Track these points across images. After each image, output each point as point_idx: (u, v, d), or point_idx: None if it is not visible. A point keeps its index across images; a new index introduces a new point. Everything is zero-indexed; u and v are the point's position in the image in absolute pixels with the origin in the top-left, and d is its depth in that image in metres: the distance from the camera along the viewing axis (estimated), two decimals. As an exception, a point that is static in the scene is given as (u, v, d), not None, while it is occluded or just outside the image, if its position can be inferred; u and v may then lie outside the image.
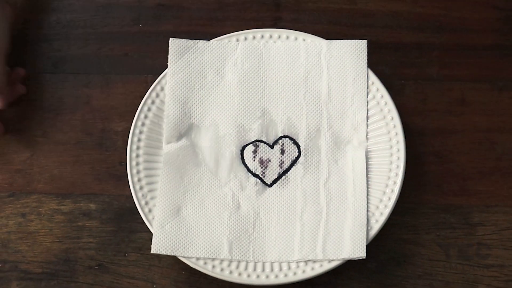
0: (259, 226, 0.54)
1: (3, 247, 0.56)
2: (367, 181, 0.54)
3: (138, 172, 0.55)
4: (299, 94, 0.57)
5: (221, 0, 0.63)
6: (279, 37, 0.58)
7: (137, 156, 0.55)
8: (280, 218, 0.54)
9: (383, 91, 0.56)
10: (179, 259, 0.53)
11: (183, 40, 0.58)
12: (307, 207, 0.54)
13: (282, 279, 0.52)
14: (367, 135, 0.55)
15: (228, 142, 0.56)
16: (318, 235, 0.53)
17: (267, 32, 0.58)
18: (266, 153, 0.56)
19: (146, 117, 0.56)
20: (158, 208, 0.54)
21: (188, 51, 0.58)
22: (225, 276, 0.52)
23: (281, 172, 0.55)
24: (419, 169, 0.57)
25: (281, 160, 0.56)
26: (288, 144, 0.56)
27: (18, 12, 0.61)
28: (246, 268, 0.52)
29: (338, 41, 0.58)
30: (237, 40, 0.58)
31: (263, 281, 0.52)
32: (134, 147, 0.55)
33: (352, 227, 0.52)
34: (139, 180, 0.54)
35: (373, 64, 0.58)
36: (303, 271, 0.52)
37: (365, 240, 0.52)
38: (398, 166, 0.54)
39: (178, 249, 0.52)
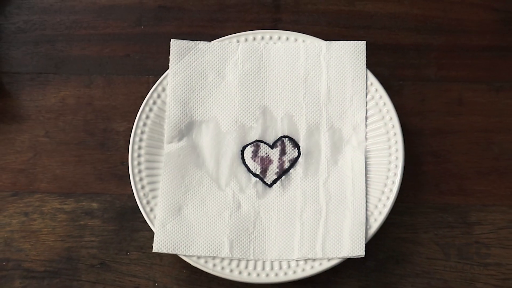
0: (260, 225, 0.54)
1: (6, 246, 0.56)
2: (366, 180, 0.54)
3: (139, 171, 0.55)
4: (299, 94, 0.57)
5: (221, 1, 0.63)
6: (279, 38, 0.58)
7: (139, 156, 0.55)
8: (280, 217, 0.54)
9: (381, 91, 0.56)
10: (180, 258, 0.53)
11: (184, 41, 0.58)
12: (307, 207, 0.54)
13: (282, 278, 0.52)
14: (366, 135, 0.55)
15: (229, 142, 0.56)
16: (318, 234, 0.53)
17: (267, 33, 0.59)
18: (266, 153, 0.56)
19: (147, 117, 0.56)
20: (160, 207, 0.54)
21: (189, 52, 0.58)
22: (226, 274, 0.52)
23: (281, 172, 0.56)
24: (417, 169, 0.57)
25: (281, 160, 0.56)
26: (288, 144, 0.56)
27: None
28: (246, 267, 0.52)
29: (337, 42, 0.58)
30: (238, 41, 0.58)
31: (263, 279, 0.52)
32: (136, 147, 0.55)
33: (351, 226, 0.52)
34: (141, 179, 0.54)
35: (372, 65, 0.58)
36: (303, 270, 0.52)
37: (364, 239, 0.52)
38: (396, 166, 0.54)
39: (179, 247, 0.52)
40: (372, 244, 0.53)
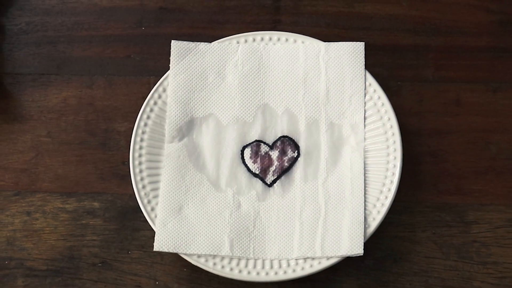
0: (259, 224, 0.54)
1: (9, 245, 0.56)
2: (365, 180, 0.54)
3: (140, 171, 0.55)
4: (298, 95, 0.57)
5: (222, 3, 0.63)
6: (279, 39, 0.59)
7: (140, 155, 0.55)
8: (280, 216, 0.54)
9: (380, 92, 0.56)
10: (181, 257, 0.53)
11: (185, 42, 0.58)
12: (306, 206, 0.54)
13: (281, 276, 0.52)
14: (364, 135, 0.56)
15: (229, 142, 0.57)
16: (317, 233, 0.53)
17: (266, 34, 0.59)
18: (266, 153, 0.56)
19: (148, 117, 0.56)
20: (160, 206, 0.54)
21: (189, 53, 0.58)
22: (226, 273, 0.52)
23: (280, 172, 0.56)
24: (415, 169, 0.57)
25: (281, 160, 0.56)
26: (288, 144, 0.56)
27: None
28: (246, 265, 0.52)
29: (336, 43, 0.58)
30: (238, 42, 0.59)
31: (263, 278, 0.52)
32: (137, 147, 0.56)
33: (350, 225, 0.53)
34: (142, 179, 0.55)
35: (370, 66, 0.58)
36: (302, 268, 0.52)
37: (362, 237, 0.52)
38: (395, 166, 0.54)
39: (180, 246, 0.53)
40: (370, 243, 0.53)
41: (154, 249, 0.53)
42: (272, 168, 0.56)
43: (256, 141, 0.57)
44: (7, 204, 0.57)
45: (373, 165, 0.55)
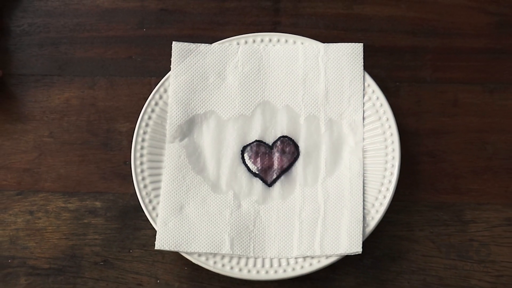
0: (259, 223, 0.54)
1: (12, 244, 0.56)
2: (364, 179, 0.54)
3: (142, 171, 0.55)
4: (297, 95, 0.58)
5: (222, 5, 0.64)
6: (278, 40, 0.59)
7: (141, 155, 0.56)
8: (280, 216, 0.55)
9: (378, 93, 0.56)
10: (181, 255, 0.54)
11: (186, 43, 0.59)
12: (306, 206, 0.55)
13: (281, 275, 0.52)
14: (363, 136, 0.56)
15: (229, 142, 0.57)
16: (316, 232, 0.53)
17: (266, 36, 0.59)
18: (266, 153, 0.57)
19: (149, 118, 0.57)
20: (162, 206, 0.54)
21: (190, 54, 0.58)
22: (226, 271, 0.52)
23: (280, 172, 0.56)
24: (413, 168, 0.57)
25: (281, 160, 0.56)
26: (288, 144, 0.57)
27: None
28: (246, 264, 0.53)
29: (335, 44, 0.58)
30: (238, 43, 0.59)
31: (262, 276, 0.52)
32: (138, 147, 0.56)
33: (348, 224, 0.53)
34: (143, 179, 0.55)
35: (369, 67, 0.58)
36: (302, 267, 0.52)
37: (361, 236, 0.52)
38: (393, 166, 0.54)
39: (181, 245, 0.53)
40: (369, 242, 0.54)
41: (155, 248, 0.53)
42: (272, 168, 0.56)
43: (256, 141, 0.57)
44: (10, 204, 0.58)
45: (371, 165, 0.55)
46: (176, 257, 0.55)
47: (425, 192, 0.57)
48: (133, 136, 0.56)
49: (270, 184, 0.56)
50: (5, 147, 0.60)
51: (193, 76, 0.58)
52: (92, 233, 0.56)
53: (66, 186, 0.58)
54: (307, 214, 0.54)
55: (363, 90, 0.57)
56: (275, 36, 0.59)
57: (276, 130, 0.57)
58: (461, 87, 0.60)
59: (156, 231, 0.54)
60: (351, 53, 0.58)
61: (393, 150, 0.55)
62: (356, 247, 0.52)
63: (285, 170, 0.56)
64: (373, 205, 0.54)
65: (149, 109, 0.57)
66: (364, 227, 0.53)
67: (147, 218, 0.55)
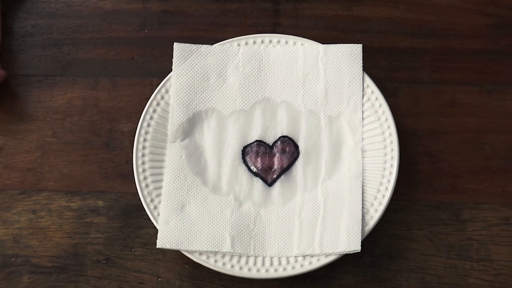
0: (260, 222, 0.55)
1: (15, 242, 0.56)
2: (363, 179, 0.55)
3: (143, 170, 0.55)
4: (297, 96, 0.58)
5: (223, 6, 0.64)
6: (278, 42, 0.59)
7: (143, 155, 0.56)
8: (280, 215, 0.55)
9: (377, 93, 0.57)
10: (183, 254, 0.54)
11: (187, 44, 0.59)
12: (305, 205, 0.55)
13: (281, 273, 0.53)
14: (362, 136, 0.56)
15: (230, 142, 0.57)
16: (316, 231, 0.54)
17: (267, 37, 0.59)
18: (266, 153, 0.57)
19: (151, 118, 0.57)
20: (163, 205, 0.54)
21: (191, 55, 0.59)
22: (227, 270, 0.53)
23: (280, 172, 0.56)
24: (412, 168, 0.57)
25: (281, 159, 0.57)
26: (288, 144, 0.57)
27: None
28: (247, 263, 0.53)
29: (334, 45, 0.58)
30: (238, 44, 0.59)
31: (263, 274, 0.53)
32: (140, 146, 0.56)
33: (347, 222, 0.53)
34: (145, 178, 0.55)
35: (368, 67, 0.58)
36: (301, 265, 0.53)
37: (360, 234, 0.52)
38: (392, 165, 0.55)
39: (182, 243, 0.53)
40: (368, 240, 0.54)
41: (157, 246, 0.53)
42: (272, 168, 0.57)
43: (256, 141, 0.57)
44: (13, 203, 0.58)
45: (370, 165, 0.55)
46: (177, 255, 0.56)
47: (423, 191, 0.57)
48: (135, 136, 0.57)
49: (270, 184, 0.56)
50: (8, 147, 0.60)
51: (194, 76, 0.59)
52: (95, 232, 0.57)
53: (69, 185, 0.58)
54: (307, 213, 0.55)
55: (362, 90, 0.57)
56: (275, 37, 0.59)
57: (276, 130, 0.58)
58: (459, 87, 0.60)
59: (157, 230, 0.54)
60: (350, 54, 0.58)
61: (392, 150, 0.55)
62: (355, 246, 0.52)
63: (285, 169, 0.57)
64: (372, 204, 0.54)
65: (150, 110, 0.57)
66: (363, 226, 0.53)
67: (149, 217, 0.55)
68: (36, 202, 0.58)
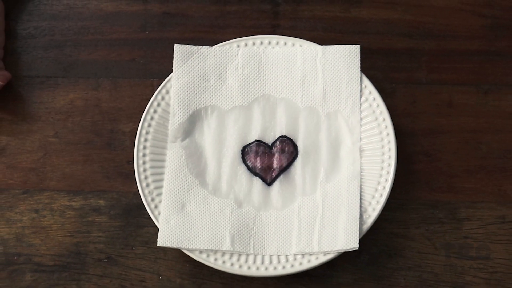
0: (259, 221, 0.55)
1: (18, 241, 0.57)
2: (361, 178, 0.55)
3: (144, 170, 0.56)
4: (296, 96, 0.58)
5: (222, 8, 0.64)
6: (278, 43, 0.60)
7: (144, 155, 0.56)
8: (279, 214, 0.55)
9: (375, 94, 0.57)
10: (183, 253, 0.54)
11: (187, 46, 0.59)
12: (304, 204, 0.55)
13: (280, 271, 0.53)
14: (360, 136, 0.56)
15: (229, 142, 0.57)
16: (314, 230, 0.54)
17: (266, 38, 0.60)
18: (265, 153, 0.57)
19: (152, 118, 0.57)
20: (164, 204, 0.55)
21: (192, 57, 0.59)
22: (227, 268, 0.53)
23: (279, 171, 0.57)
24: (409, 168, 0.58)
25: (280, 159, 0.57)
26: (287, 144, 0.57)
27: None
28: (246, 261, 0.53)
29: (332, 46, 0.59)
30: (238, 46, 0.60)
31: (262, 272, 0.53)
32: (141, 146, 0.57)
33: (345, 221, 0.53)
34: (146, 178, 0.56)
35: (365, 68, 0.59)
36: (300, 264, 0.53)
37: (357, 232, 0.53)
38: (389, 165, 0.55)
39: (182, 242, 0.53)
40: (366, 239, 0.54)
41: (158, 245, 0.54)
42: (272, 168, 0.57)
43: (256, 141, 0.58)
44: (16, 202, 0.58)
45: (368, 164, 0.56)
46: (177, 254, 0.56)
47: (420, 190, 0.57)
48: (136, 136, 0.57)
49: (269, 183, 0.57)
50: (11, 147, 0.60)
51: (194, 77, 0.59)
52: (96, 231, 0.57)
53: (71, 185, 0.59)
54: (305, 212, 0.55)
55: (360, 91, 0.58)
56: (274, 38, 0.60)
57: (276, 130, 0.58)
58: (456, 88, 0.60)
59: (158, 229, 0.54)
60: (348, 55, 0.58)
61: (390, 149, 0.56)
62: (353, 243, 0.53)
63: (284, 169, 0.57)
64: (370, 203, 0.54)
65: (151, 110, 0.58)
66: (361, 225, 0.53)
67: (150, 216, 0.55)
68: (39, 201, 0.58)
